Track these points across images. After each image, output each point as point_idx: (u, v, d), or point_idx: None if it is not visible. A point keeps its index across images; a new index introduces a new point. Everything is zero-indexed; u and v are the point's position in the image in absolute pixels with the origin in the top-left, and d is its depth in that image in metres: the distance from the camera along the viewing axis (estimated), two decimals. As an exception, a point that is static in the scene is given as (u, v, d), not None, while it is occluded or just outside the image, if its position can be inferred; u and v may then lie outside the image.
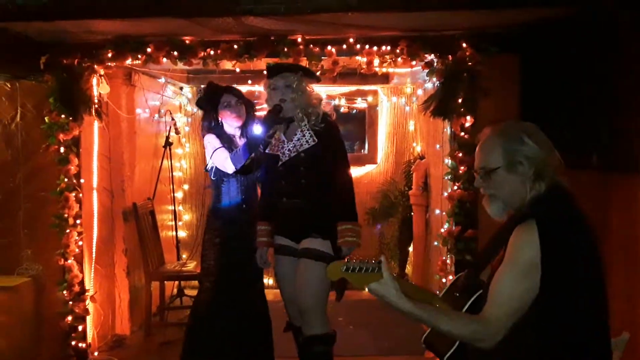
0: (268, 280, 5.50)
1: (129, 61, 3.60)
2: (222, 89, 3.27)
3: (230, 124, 3.25)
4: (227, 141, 3.20)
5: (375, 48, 3.46)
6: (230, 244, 3.20)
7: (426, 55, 3.46)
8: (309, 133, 2.84)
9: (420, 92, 4.90)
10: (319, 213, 2.82)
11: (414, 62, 3.54)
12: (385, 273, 1.57)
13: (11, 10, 2.91)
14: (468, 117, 3.48)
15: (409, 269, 5.40)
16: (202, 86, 3.90)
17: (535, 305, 1.53)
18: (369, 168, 5.63)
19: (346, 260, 1.65)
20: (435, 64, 3.49)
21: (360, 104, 5.66)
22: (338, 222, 2.78)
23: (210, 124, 3.26)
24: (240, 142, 3.24)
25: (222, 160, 3.11)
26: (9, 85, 3.65)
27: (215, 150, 3.13)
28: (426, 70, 3.57)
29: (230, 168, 3.08)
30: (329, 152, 2.83)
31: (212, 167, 3.21)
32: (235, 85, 3.43)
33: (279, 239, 2.93)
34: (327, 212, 2.81)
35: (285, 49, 3.43)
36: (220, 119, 3.25)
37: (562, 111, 3.21)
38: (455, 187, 3.55)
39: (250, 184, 3.26)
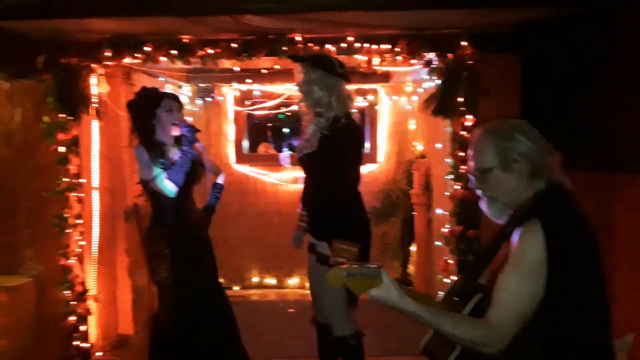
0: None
1: (127, 60, 3.59)
2: (162, 94, 3.07)
3: (167, 131, 3.01)
4: (159, 153, 2.96)
5: (374, 46, 3.44)
6: (179, 252, 3.04)
7: (425, 54, 3.44)
8: (317, 137, 2.68)
9: (420, 90, 4.87)
10: (318, 216, 2.78)
11: (413, 61, 3.52)
12: (385, 277, 1.53)
13: (6, 8, 2.90)
14: (469, 116, 3.46)
15: (411, 268, 5.39)
16: (136, 91, 3.18)
17: (541, 307, 1.49)
18: (370, 167, 5.60)
19: (347, 266, 1.64)
20: (435, 62, 3.47)
21: (360, 103, 5.63)
22: (333, 238, 2.62)
23: (142, 132, 2.99)
24: (174, 154, 3.02)
25: (160, 185, 2.93)
26: (8, 85, 3.63)
27: (152, 177, 2.93)
28: (426, 69, 3.55)
29: (170, 191, 2.93)
30: (326, 161, 2.63)
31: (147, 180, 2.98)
32: (233, 84, 3.38)
33: (310, 237, 2.86)
34: (324, 216, 2.72)
35: (284, 48, 3.42)
36: (155, 124, 2.99)
37: (564, 111, 3.18)
38: (457, 187, 3.53)
39: (186, 192, 3.10)
